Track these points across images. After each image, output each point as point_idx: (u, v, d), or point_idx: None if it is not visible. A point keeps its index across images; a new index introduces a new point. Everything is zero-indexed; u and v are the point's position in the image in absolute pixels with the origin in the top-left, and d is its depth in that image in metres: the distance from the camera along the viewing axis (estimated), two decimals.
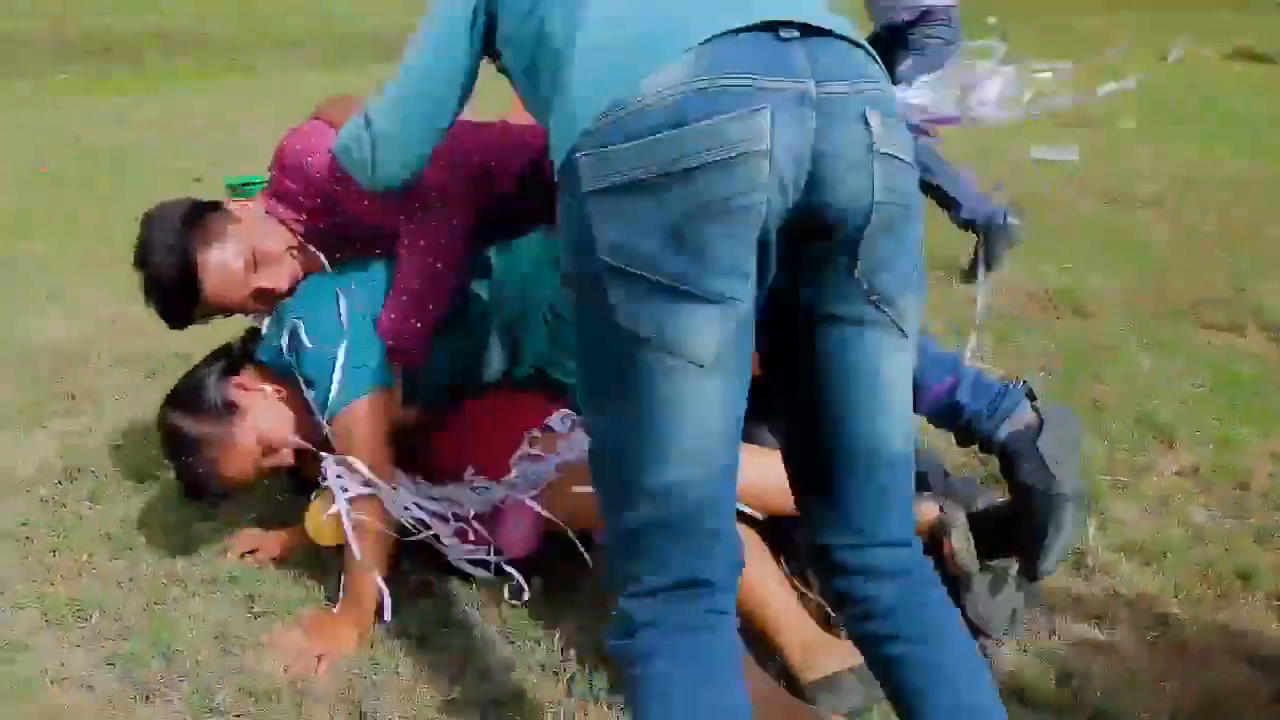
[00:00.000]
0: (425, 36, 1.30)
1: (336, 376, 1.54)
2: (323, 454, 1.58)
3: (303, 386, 1.59)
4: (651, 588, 0.98)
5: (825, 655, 1.39)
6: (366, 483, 1.52)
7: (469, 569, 1.60)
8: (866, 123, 0.92)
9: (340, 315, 1.58)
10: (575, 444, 1.56)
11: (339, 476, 1.53)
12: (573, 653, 1.48)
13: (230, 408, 1.63)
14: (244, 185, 2.82)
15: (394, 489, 1.56)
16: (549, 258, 1.68)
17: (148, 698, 1.42)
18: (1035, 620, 1.57)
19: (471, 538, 1.59)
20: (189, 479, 1.66)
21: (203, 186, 4.70)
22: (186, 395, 1.67)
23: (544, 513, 1.53)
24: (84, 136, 6.38)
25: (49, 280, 3.29)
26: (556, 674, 1.45)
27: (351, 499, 1.52)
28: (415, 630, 1.55)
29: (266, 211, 1.69)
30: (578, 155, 0.92)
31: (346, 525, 1.50)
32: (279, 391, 1.67)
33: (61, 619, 1.59)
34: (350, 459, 1.53)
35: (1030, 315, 2.96)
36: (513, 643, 1.53)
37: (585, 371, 1.03)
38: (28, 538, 1.85)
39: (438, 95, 1.32)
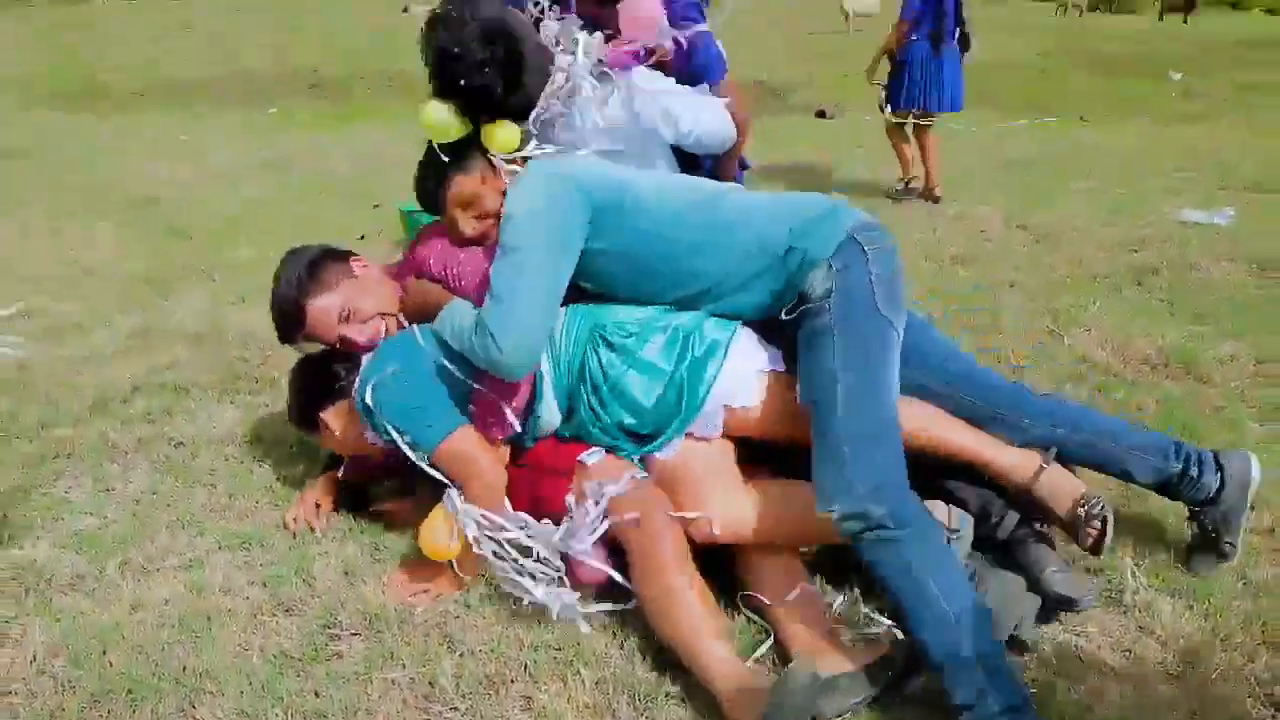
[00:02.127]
0: (546, 243, 1.66)
1: (427, 419, 1.76)
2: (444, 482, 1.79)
3: (393, 435, 1.78)
4: (900, 488, 1.52)
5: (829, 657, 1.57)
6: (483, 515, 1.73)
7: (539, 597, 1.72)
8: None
9: (426, 365, 1.80)
10: (607, 481, 1.73)
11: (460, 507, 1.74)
12: (631, 621, 1.71)
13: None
14: (411, 213, 3.21)
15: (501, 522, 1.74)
16: (592, 341, 1.83)
17: (287, 610, 1.76)
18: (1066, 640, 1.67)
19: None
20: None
21: (380, 211, 5.35)
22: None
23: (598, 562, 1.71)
24: (294, 162, 7.24)
25: (250, 282, 3.85)
26: (614, 634, 1.69)
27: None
28: (504, 590, 1.82)
29: (381, 275, 2.02)
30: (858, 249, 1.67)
31: (458, 542, 1.74)
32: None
33: (230, 546, 1.99)
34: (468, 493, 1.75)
35: (1136, 373, 2.96)
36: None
37: (861, 357, 1.61)
38: (212, 484, 2.27)
39: (561, 288, 1.66)
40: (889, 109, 5.72)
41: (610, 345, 1.76)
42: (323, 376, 1.97)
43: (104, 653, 1.64)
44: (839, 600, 1.77)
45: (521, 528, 1.74)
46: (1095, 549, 1.71)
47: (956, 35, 5.55)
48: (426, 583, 1.80)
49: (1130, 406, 2.69)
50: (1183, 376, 2.93)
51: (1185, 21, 19.81)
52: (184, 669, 1.60)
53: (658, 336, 1.74)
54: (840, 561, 1.83)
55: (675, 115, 2.11)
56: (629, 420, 1.75)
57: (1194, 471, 1.81)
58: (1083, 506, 1.70)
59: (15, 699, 1.56)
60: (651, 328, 1.76)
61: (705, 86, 2.26)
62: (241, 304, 3.71)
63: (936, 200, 5.57)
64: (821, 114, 11.26)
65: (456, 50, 1.72)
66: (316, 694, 1.55)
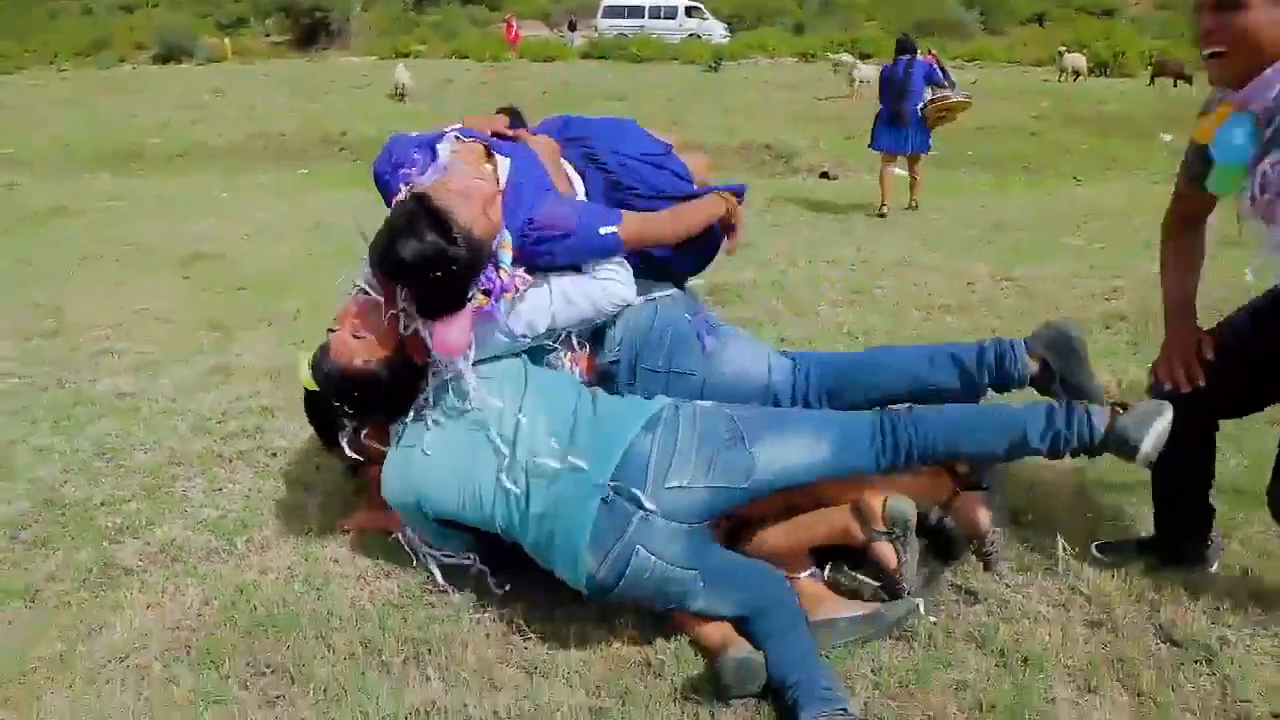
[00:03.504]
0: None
1: None
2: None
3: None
4: None
5: (826, 604, 2.00)
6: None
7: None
8: None
9: None
10: None
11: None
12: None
13: None
14: None
15: None
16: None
17: (388, 575, 2.20)
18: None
19: None
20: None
21: None
22: None
23: None
24: (329, 220, 7.79)
25: (306, 329, 4.32)
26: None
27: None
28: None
29: None
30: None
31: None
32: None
33: (332, 531, 2.44)
34: None
35: None
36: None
37: None
38: (309, 485, 2.73)
39: None
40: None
41: None
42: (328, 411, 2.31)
43: (248, 600, 2.08)
44: (828, 568, 2.19)
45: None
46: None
47: (921, 104, 7.88)
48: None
49: None
50: None
51: (1175, 85, 20.54)
52: (313, 611, 2.03)
53: None
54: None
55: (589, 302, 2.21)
56: None
57: (1005, 357, 2.17)
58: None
59: (184, 632, 1.99)
60: None
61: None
62: (303, 345, 4.18)
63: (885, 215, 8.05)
64: (825, 175, 11.87)
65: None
66: (419, 628, 1.98)
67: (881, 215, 8.07)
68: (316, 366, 2.11)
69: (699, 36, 30.26)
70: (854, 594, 2.10)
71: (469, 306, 1.98)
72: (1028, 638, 1.95)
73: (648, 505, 1.81)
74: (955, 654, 1.91)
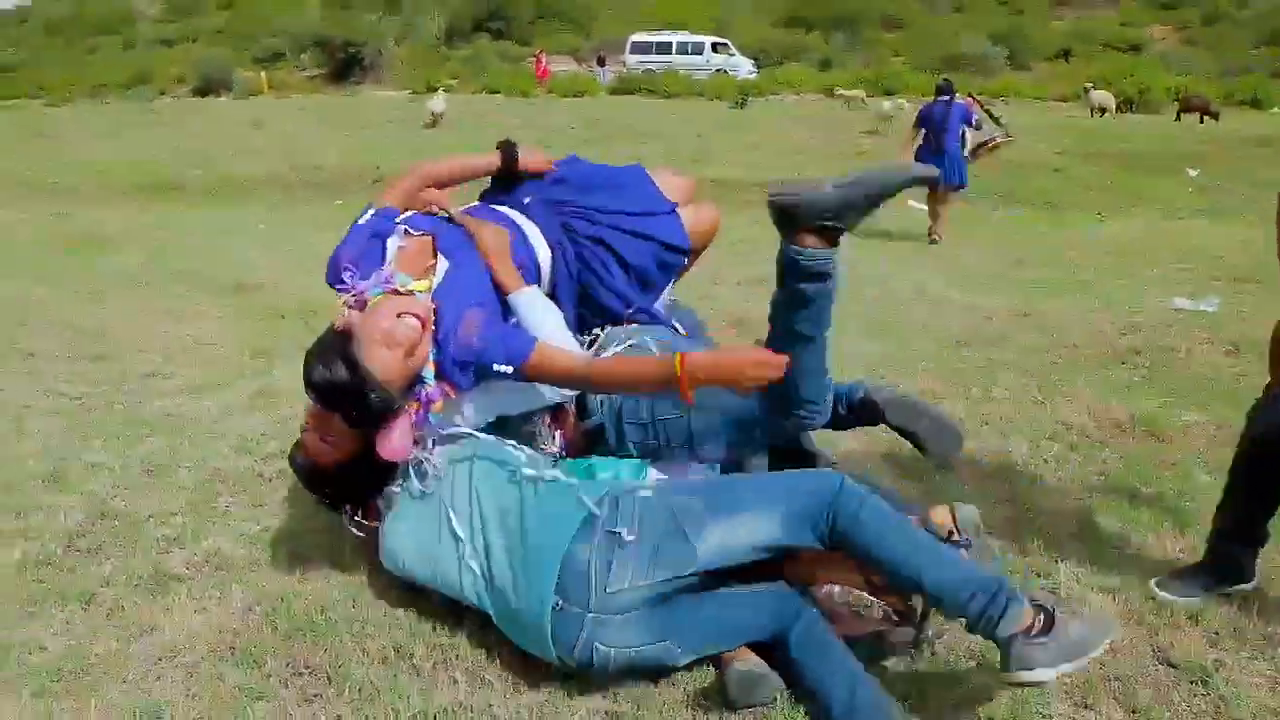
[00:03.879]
0: None
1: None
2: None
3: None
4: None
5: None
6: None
7: None
8: None
9: None
10: None
11: None
12: None
13: None
14: None
15: None
16: None
17: (420, 590, 2.32)
18: None
19: None
20: None
21: None
22: None
23: None
24: None
25: None
26: None
27: None
28: None
29: None
30: None
31: None
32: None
33: (368, 547, 2.56)
34: None
35: (1107, 434, 3.46)
36: None
37: None
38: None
39: None
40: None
41: None
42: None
43: (288, 606, 2.21)
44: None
45: None
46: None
47: (960, 134, 8.63)
48: None
49: (1095, 460, 3.20)
50: (1147, 439, 3.43)
51: (1201, 121, 20.54)
52: (348, 617, 2.17)
53: None
54: None
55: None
56: None
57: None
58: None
59: (228, 635, 2.13)
60: None
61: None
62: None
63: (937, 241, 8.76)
64: None
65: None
66: (448, 636, 2.10)
67: (934, 242, 8.82)
68: (292, 461, 2.30)
69: (726, 72, 30.67)
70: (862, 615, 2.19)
71: (402, 415, 2.09)
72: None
73: (594, 611, 1.85)
74: (956, 671, 2.00)
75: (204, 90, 30.61)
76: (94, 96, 30.30)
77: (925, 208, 9.09)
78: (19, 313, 5.56)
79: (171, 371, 4.38)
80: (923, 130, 8.99)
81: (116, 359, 4.58)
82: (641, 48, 32.85)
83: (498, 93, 26.19)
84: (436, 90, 23.85)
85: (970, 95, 9.69)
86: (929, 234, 8.90)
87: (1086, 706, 1.89)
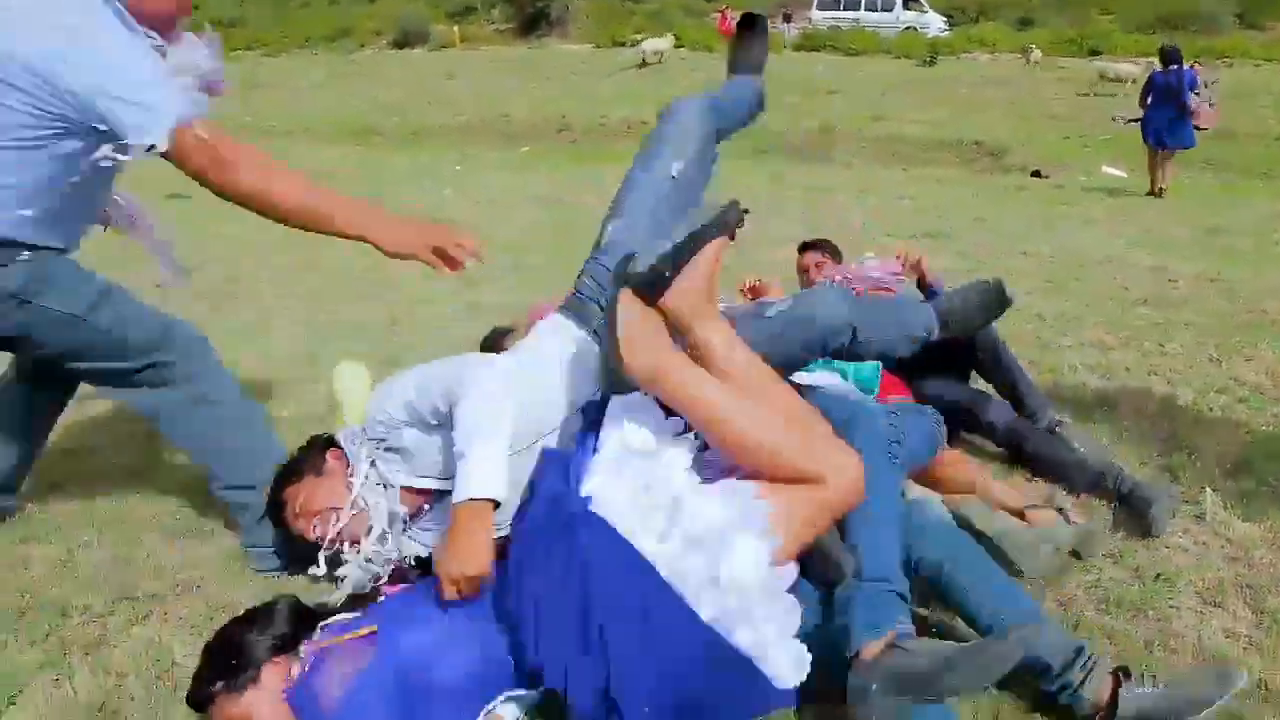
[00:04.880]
0: None
1: None
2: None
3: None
4: None
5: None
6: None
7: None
8: None
9: None
10: None
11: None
12: None
13: None
14: None
15: None
16: None
17: None
18: None
19: None
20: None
21: None
22: None
23: None
24: (556, 195, 8.62)
25: (545, 279, 4.99)
26: None
27: None
28: None
29: None
30: None
31: None
32: None
33: None
34: None
35: None
36: None
37: None
38: None
39: None
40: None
41: None
42: None
43: None
44: None
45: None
46: None
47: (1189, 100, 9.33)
48: None
49: (1265, 414, 3.22)
50: None
51: None
52: None
53: None
54: None
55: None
56: None
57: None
58: None
59: None
60: None
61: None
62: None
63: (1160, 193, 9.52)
64: (1037, 173, 11.64)
65: None
66: None
67: (1159, 195, 9.52)
68: None
69: (916, 30, 29.57)
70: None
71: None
72: (1164, 561, 2.22)
73: None
74: (1093, 564, 2.20)
75: (400, 43, 32.36)
76: (304, 47, 32.67)
77: (1121, 173, 9.31)
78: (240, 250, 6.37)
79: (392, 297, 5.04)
80: (1148, 99, 9.67)
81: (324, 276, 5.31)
82: (828, 3, 32.06)
83: (682, 46, 26.35)
84: (624, 43, 24.36)
85: (1196, 63, 10.57)
86: (1152, 188, 9.54)
87: (1215, 605, 2.06)
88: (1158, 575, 2.15)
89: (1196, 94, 9.46)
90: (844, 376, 2.52)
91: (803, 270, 3.46)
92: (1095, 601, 2.06)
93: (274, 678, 1.62)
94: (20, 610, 2.13)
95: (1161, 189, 9.56)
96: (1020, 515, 2.27)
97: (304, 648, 1.68)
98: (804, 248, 3.55)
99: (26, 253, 1.92)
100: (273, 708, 1.58)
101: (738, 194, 2.02)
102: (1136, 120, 10.20)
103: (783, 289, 3.25)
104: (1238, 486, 2.59)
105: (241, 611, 1.77)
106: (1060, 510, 2.27)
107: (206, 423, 2.20)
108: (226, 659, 1.63)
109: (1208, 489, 2.49)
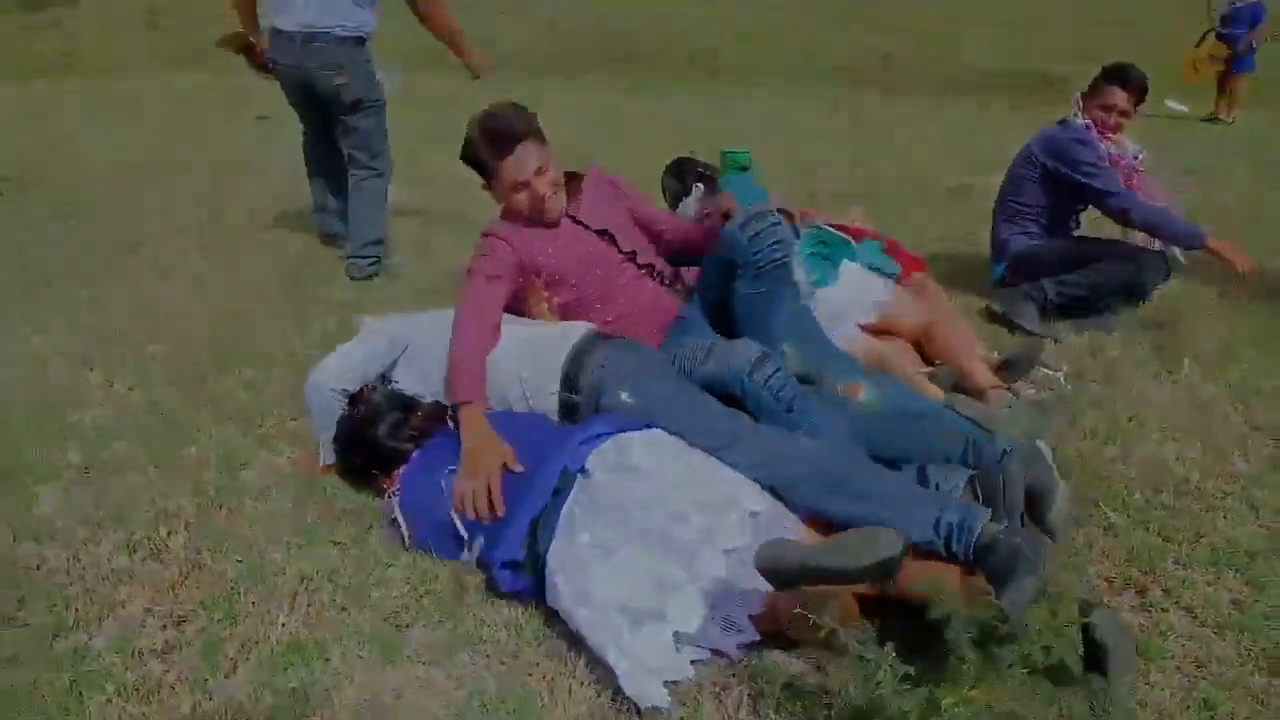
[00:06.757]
0: None
1: None
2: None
3: None
4: None
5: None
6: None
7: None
8: None
9: None
10: None
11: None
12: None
13: None
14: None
15: None
16: None
17: None
18: None
19: None
20: None
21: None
22: None
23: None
24: (615, 119, 8.86)
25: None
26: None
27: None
28: None
29: None
30: None
31: None
32: None
33: None
34: None
35: None
36: None
37: None
38: None
39: None
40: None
41: None
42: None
43: None
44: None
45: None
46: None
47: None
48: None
49: None
50: None
51: None
52: None
53: None
54: None
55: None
56: None
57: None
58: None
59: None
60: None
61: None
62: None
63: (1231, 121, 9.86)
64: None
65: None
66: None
67: (1230, 121, 9.87)
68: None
69: None
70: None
71: None
72: (1140, 402, 2.74)
73: None
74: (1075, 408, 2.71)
75: None
76: None
77: (1184, 108, 10.00)
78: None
79: None
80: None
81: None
82: None
83: None
84: None
85: None
86: (1218, 113, 9.91)
87: (1173, 440, 2.55)
88: (1130, 418, 2.65)
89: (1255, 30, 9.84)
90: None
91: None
92: (1073, 430, 2.58)
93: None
94: None
95: (1234, 115, 9.86)
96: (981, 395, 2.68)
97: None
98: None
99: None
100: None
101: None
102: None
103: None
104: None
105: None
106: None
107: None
108: None
109: (1186, 360, 3.00)
